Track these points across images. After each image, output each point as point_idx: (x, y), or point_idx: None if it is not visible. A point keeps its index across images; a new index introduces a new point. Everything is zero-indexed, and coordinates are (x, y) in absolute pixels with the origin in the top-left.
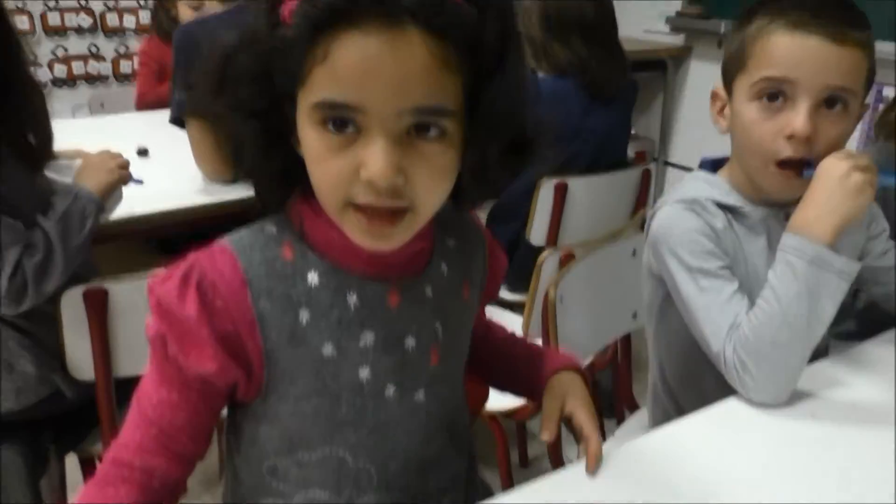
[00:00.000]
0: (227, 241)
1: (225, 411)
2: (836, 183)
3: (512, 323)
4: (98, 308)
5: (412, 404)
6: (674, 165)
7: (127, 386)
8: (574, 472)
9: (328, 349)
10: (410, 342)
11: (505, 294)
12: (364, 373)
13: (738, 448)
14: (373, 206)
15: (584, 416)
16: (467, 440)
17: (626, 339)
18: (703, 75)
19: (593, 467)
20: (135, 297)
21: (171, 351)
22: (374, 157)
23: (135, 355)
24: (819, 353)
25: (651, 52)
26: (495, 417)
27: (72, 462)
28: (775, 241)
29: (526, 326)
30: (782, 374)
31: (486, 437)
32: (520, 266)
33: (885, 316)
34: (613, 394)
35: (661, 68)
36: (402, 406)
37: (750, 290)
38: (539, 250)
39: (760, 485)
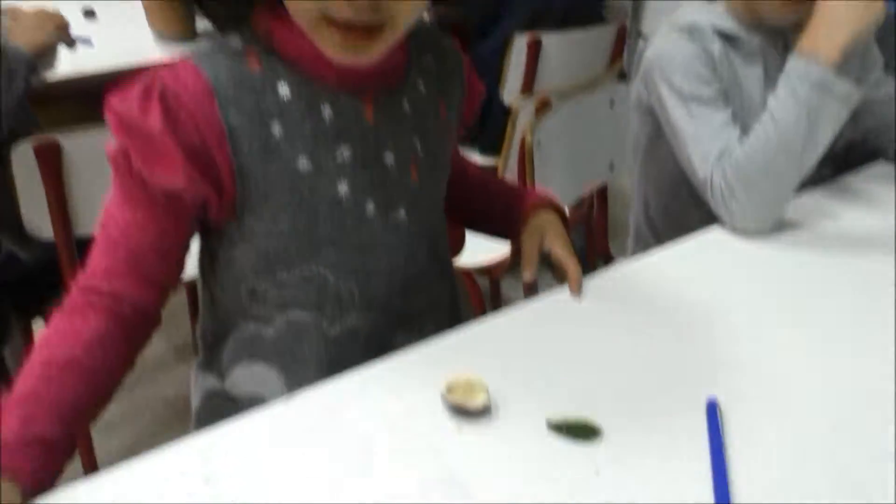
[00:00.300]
0: (188, 55)
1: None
2: (843, 3)
3: None
4: (51, 163)
5: (394, 222)
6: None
7: (89, 246)
8: (554, 301)
9: (303, 163)
10: (389, 158)
11: (478, 158)
12: (342, 188)
13: (723, 276)
14: (350, 22)
15: (561, 250)
16: (449, 264)
17: (603, 192)
18: None
19: (577, 289)
20: (91, 152)
21: (135, 166)
22: None
23: (95, 213)
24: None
25: None
26: (470, 274)
27: (39, 329)
28: (772, 69)
29: (501, 174)
30: (771, 201)
31: None
32: (493, 127)
33: (863, 158)
34: (586, 249)
35: None
36: (384, 224)
37: (743, 119)
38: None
39: (748, 311)
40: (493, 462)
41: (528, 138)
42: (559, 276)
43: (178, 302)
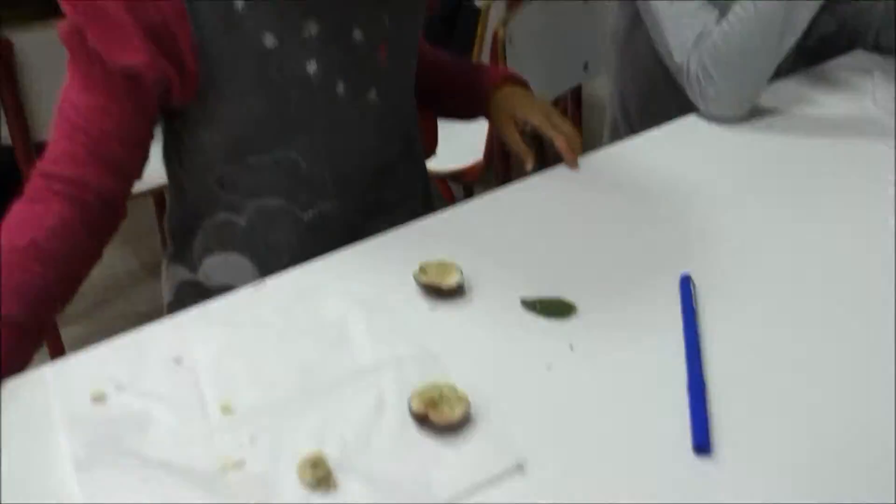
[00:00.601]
0: None
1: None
2: None
3: None
4: (4, 63)
5: (365, 104)
6: None
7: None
8: (528, 186)
9: (269, 40)
10: (358, 35)
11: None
12: (311, 66)
13: (700, 160)
14: None
15: (540, 120)
16: (421, 155)
17: (577, 95)
18: None
19: (574, 158)
20: (48, 52)
21: (91, 44)
22: None
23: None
24: None
25: None
26: (444, 180)
27: None
28: None
29: None
30: (747, 85)
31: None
32: (465, 27)
33: (835, 51)
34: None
35: None
36: (355, 105)
37: (721, 2)
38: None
39: (725, 193)
40: (467, 339)
41: (501, 33)
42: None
43: (148, 217)
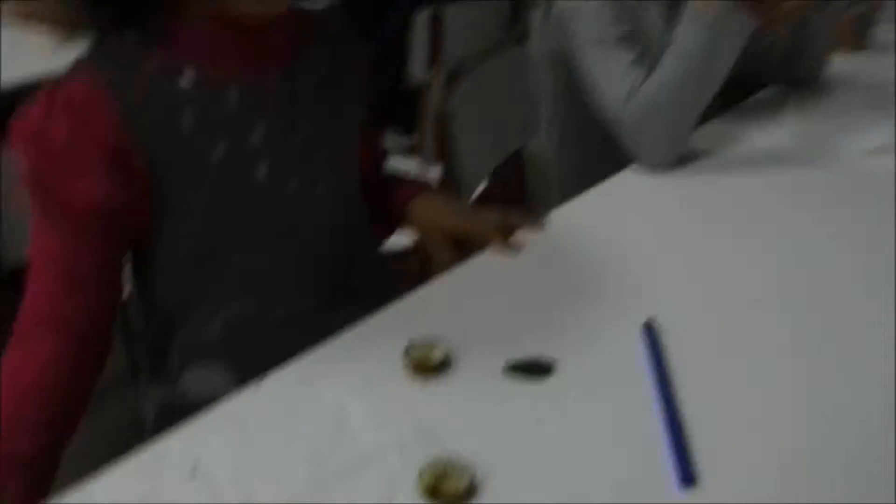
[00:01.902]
0: (83, 59)
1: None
2: None
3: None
4: None
5: (317, 199)
6: None
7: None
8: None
9: (219, 151)
10: (303, 132)
11: (396, 139)
12: (261, 170)
13: (647, 210)
14: None
15: (461, 224)
16: (377, 239)
17: (518, 156)
18: None
19: (507, 248)
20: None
21: (51, 183)
22: None
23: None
24: None
25: None
26: (401, 255)
27: None
28: (673, 7)
29: (420, 146)
30: (678, 132)
31: None
32: (406, 106)
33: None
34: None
35: None
36: (308, 202)
37: (650, 56)
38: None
39: (675, 239)
40: (460, 410)
41: (443, 108)
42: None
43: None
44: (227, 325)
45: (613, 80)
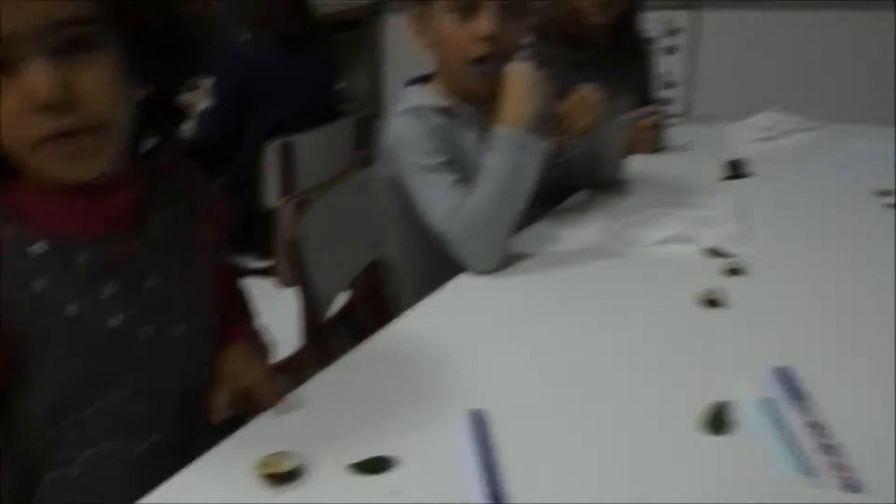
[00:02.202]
0: None
1: None
2: (522, 80)
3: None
4: None
5: (171, 339)
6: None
7: None
8: (341, 367)
9: (71, 309)
10: (153, 281)
11: (256, 263)
12: (114, 320)
13: (477, 313)
14: (56, 130)
15: (249, 382)
16: None
17: (374, 268)
18: (400, 26)
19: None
20: None
21: None
22: (37, 78)
23: None
24: None
25: (345, 12)
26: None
27: None
28: (486, 133)
29: (276, 269)
30: (497, 241)
31: None
32: (261, 233)
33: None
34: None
35: (358, 27)
36: (163, 343)
37: (470, 177)
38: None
39: (506, 336)
40: None
41: (294, 234)
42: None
43: None
44: (88, 466)
45: (438, 201)
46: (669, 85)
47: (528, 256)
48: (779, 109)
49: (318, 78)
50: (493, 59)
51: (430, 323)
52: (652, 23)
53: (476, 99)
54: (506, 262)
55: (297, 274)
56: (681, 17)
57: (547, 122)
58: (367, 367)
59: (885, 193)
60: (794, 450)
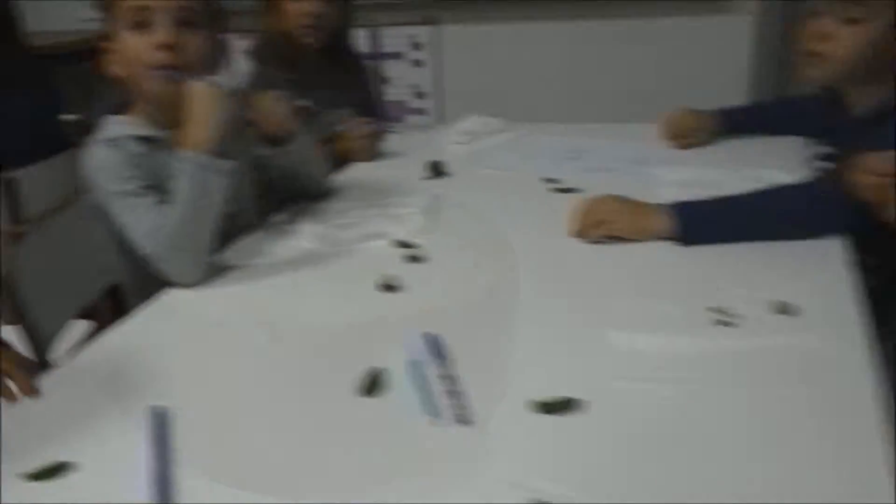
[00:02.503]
0: None
1: None
2: (204, 101)
3: None
4: None
5: None
6: None
7: None
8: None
9: None
10: None
11: None
12: None
13: (181, 327)
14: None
15: None
16: None
17: (114, 290)
18: None
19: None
20: None
21: None
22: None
23: None
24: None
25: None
26: None
27: None
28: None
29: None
30: (195, 257)
31: None
32: None
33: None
34: None
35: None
36: None
37: (172, 199)
38: None
39: (204, 350)
40: None
41: (7, 270)
42: None
43: None
44: None
45: (138, 223)
46: (420, 95)
47: (236, 269)
48: (490, 114)
49: (38, 111)
50: (176, 69)
51: (135, 336)
52: (397, 39)
53: (173, 123)
54: (211, 275)
55: (14, 310)
56: (423, 32)
57: (241, 135)
58: (67, 383)
59: (551, 181)
60: (427, 397)
